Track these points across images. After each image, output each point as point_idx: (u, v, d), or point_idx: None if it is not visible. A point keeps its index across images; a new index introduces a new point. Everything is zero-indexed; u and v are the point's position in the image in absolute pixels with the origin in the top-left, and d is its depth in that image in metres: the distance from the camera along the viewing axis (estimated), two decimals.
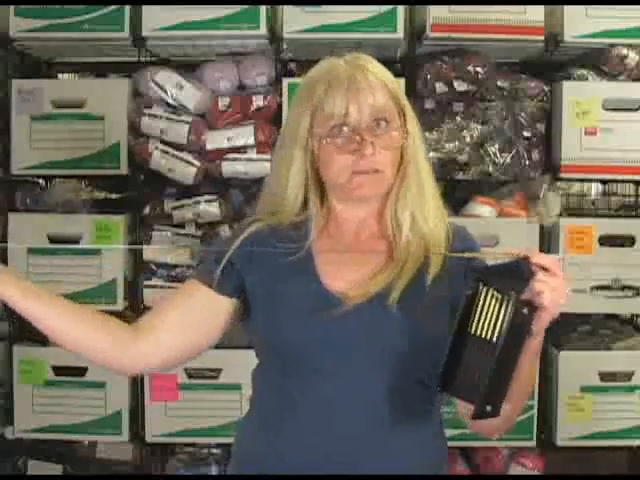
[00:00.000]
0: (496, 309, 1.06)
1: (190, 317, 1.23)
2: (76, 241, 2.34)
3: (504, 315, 1.05)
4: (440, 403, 1.26)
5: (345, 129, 1.17)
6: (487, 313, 1.06)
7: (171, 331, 1.22)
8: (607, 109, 2.30)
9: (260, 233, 1.23)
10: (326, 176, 1.21)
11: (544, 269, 1.04)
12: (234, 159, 2.31)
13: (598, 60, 2.34)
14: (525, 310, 1.05)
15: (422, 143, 1.24)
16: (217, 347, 1.29)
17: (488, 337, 1.06)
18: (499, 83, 2.35)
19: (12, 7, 2.28)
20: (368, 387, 1.16)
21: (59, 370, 2.36)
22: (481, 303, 1.07)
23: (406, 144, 1.20)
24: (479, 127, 2.32)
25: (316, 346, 1.16)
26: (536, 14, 2.25)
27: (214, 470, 2.42)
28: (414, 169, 1.21)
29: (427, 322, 1.17)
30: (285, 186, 1.22)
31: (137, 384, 2.36)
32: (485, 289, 1.07)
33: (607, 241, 2.33)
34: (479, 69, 2.28)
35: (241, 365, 1.30)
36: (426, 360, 1.17)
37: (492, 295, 1.06)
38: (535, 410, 2.32)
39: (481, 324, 1.07)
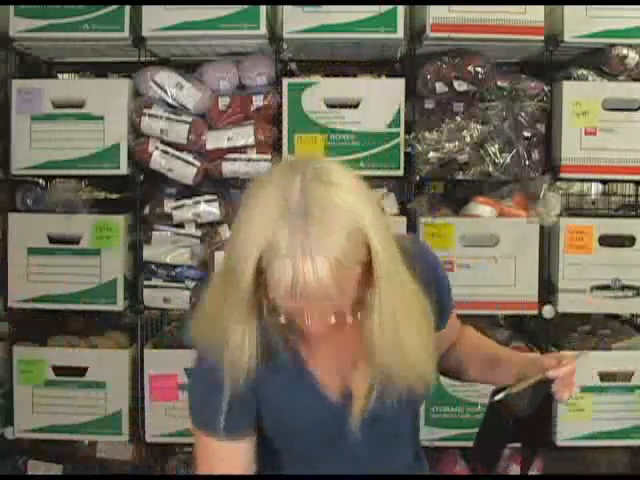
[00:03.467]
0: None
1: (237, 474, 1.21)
2: (76, 241, 2.34)
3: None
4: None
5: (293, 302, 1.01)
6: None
7: None
8: (607, 109, 2.30)
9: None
10: None
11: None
12: (234, 159, 2.31)
13: (598, 60, 2.34)
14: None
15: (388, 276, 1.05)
16: None
17: None
18: (499, 83, 2.35)
19: (12, 7, 2.28)
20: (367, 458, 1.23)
21: (59, 370, 2.36)
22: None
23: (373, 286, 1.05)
24: (479, 127, 2.32)
25: (318, 445, 1.21)
26: (536, 14, 2.25)
27: None
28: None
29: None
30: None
31: (137, 384, 2.36)
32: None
33: (607, 241, 2.32)
34: (479, 69, 2.28)
35: None
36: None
37: None
38: None
39: None
